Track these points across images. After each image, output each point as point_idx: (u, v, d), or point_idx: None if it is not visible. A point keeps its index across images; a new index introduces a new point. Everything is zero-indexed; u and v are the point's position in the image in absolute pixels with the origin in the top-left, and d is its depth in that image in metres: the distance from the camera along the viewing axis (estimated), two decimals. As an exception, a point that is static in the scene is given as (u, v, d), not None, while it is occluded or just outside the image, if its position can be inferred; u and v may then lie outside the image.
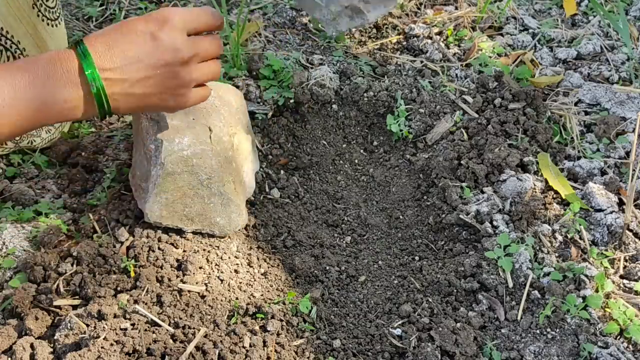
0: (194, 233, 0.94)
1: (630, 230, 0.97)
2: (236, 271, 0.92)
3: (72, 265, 0.89)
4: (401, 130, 1.17)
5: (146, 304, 0.84)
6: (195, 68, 0.81)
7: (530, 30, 1.43)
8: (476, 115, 1.15)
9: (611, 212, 0.97)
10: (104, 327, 0.79)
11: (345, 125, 1.22)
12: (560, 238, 0.96)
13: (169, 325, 0.82)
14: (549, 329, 0.87)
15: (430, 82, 1.25)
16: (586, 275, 0.91)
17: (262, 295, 0.90)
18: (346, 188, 1.15)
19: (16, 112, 0.73)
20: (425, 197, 1.09)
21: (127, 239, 0.92)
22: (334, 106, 1.22)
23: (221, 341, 0.80)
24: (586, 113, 1.18)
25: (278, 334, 0.83)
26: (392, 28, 1.45)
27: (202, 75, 0.83)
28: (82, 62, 0.74)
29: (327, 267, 0.98)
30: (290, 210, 1.09)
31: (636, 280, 0.92)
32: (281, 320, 0.85)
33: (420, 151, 1.16)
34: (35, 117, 0.75)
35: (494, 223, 0.99)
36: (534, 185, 1.02)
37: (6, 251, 0.93)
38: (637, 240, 0.97)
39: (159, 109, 0.84)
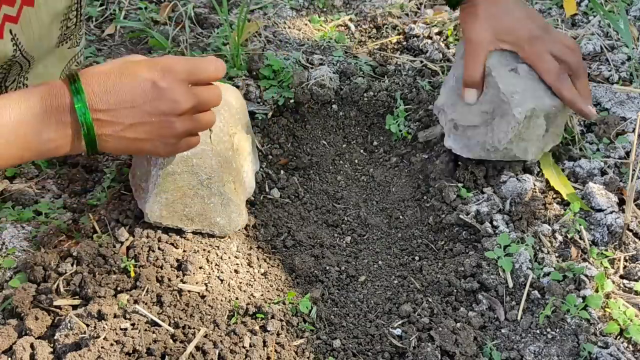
0: (194, 233, 0.94)
1: (630, 230, 0.97)
2: (236, 271, 0.92)
3: (72, 265, 0.89)
4: (400, 131, 1.17)
5: (146, 304, 0.84)
6: (190, 119, 0.80)
7: (530, 30, 1.43)
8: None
9: (611, 212, 0.97)
10: (104, 327, 0.79)
11: (345, 125, 1.22)
12: (560, 238, 0.96)
13: (169, 325, 0.82)
14: (549, 329, 0.87)
15: (430, 82, 1.25)
16: (586, 275, 0.91)
17: (262, 295, 0.90)
18: (346, 188, 1.15)
19: (2, 147, 0.72)
20: (425, 197, 1.09)
21: (127, 239, 0.92)
22: (334, 106, 1.22)
23: (221, 341, 0.80)
24: (586, 113, 1.18)
25: (278, 334, 0.83)
26: (392, 28, 1.45)
27: (196, 126, 0.82)
28: (73, 99, 0.73)
29: (327, 267, 0.98)
30: (290, 210, 1.09)
31: (636, 280, 0.92)
32: (281, 320, 0.85)
33: (420, 151, 1.16)
34: (19, 154, 0.75)
35: (494, 223, 0.99)
36: (534, 185, 1.02)
37: (6, 251, 0.93)
38: (637, 240, 0.97)
39: (148, 153, 0.83)
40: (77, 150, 0.77)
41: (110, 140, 0.77)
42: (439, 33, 1.41)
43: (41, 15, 0.92)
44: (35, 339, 0.81)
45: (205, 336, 0.81)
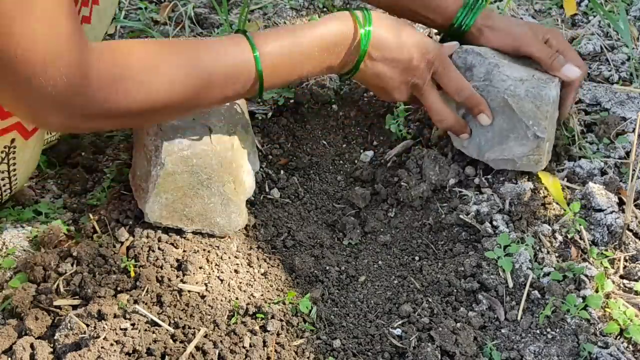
0: (194, 233, 0.94)
1: (630, 230, 0.97)
2: (236, 271, 0.92)
3: (72, 265, 0.89)
4: (400, 131, 1.17)
5: (146, 304, 0.84)
6: (422, 86, 0.98)
7: (530, 30, 1.43)
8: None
9: (611, 212, 0.97)
10: (104, 327, 0.79)
11: (345, 125, 1.22)
12: (560, 238, 0.96)
13: (169, 325, 0.82)
14: (549, 329, 0.87)
15: (430, 82, 1.24)
16: (586, 275, 0.91)
17: (262, 295, 0.90)
18: (346, 188, 1.15)
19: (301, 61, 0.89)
20: (425, 197, 1.09)
21: (127, 239, 0.92)
22: (334, 106, 1.22)
23: (221, 341, 0.80)
24: (586, 113, 1.18)
25: (278, 334, 0.83)
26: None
27: (427, 94, 0.99)
28: (361, 34, 0.90)
29: (327, 267, 0.98)
30: (290, 210, 1.09)
31: (636, 280, 0.92)
32: (281, 320, 0.85)
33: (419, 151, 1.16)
34: (305, 72, 0.91)
35: (494, 223, 0.99)
36: (534, 185, 1.02)
37: (6, 251, 0.93)
38: (637, 240, 0.97)
39: (374, 89, 1.02)
40: (340, 72, 0.94)
41: (361, 73, 0.94)
42: (439, 33, 1.41)
43: (105, 9, 1.01)
44: (35, 339, 0.81)
45: (205, 336, 0.81)
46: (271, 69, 0.85)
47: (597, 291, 0.89)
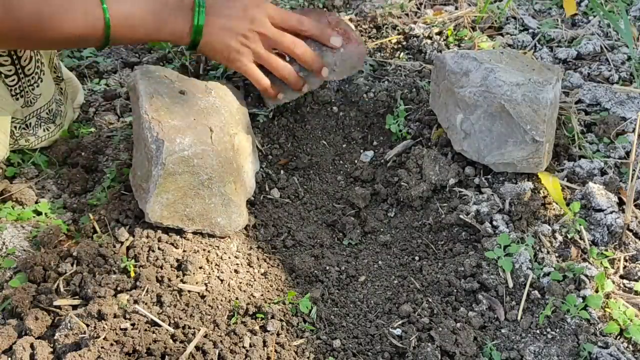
0: (194, 233, 0.94)
1: (630, 230, 0.97)
2: (236, 271, 0.92)
3: (72, 265, 0.89)
4: (400, 131, 1.17)
5: (146, 304, 0.84)
6: (261, 47, 1.05)
7: (530, 30, 1.43)
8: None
9: (611, 212, 0.97)
10: (104, 327, 0.79)
11: (345, 125, 1.22)
12: (560, 238, 0.96)
13: (169, 325, 0.82)
14: (549, 329, 0.87)
15: (430, 82, 1.24)
16: (586, 275, 0.91)
17: (262, 295, 0.90)
18: (346, 188, 1.15)
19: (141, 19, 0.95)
20: (425, 197, 1.09)
21: (127, 239, 0.92)
22: (334, 107, 1.22)
23: (221, 341, 0.80)
24: (586, 113, 1.18)
25: (278, 334, 0.83)
26: (392, 28, 1.45)
27: (266, 56, 1.05)
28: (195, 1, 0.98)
29: (327, 267, 0.98)
30: (290, 210, 1.09)
31: (636, 280, 0.92)
32: (281, 320, 0.85)
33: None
34: (141, 37, 0.99)
35: (494, 223, 0.99)
36: (534, 185, 1.02)
37: (6, 251, 0.93)
38: (637, 240, 0.97)
39: (226, 54, 1.04)
40: (183, 41, 1.01)
41: (208, 35, 1.01)
42: (439, 33, 1.41)
43: None
44: (35, 339, 0.81)
45: (205, 336, 0.81)
46: (118, 21, 0.93)
47: (597, 291, 0.89)
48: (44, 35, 0.91)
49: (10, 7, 0.86)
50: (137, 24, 0.96)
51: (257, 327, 0.83)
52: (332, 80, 1.18)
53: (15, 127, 1.06)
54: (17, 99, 1.03)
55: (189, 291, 0.87)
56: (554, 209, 1.00)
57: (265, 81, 1.08)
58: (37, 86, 1.05)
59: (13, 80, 1.01)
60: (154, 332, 0.80)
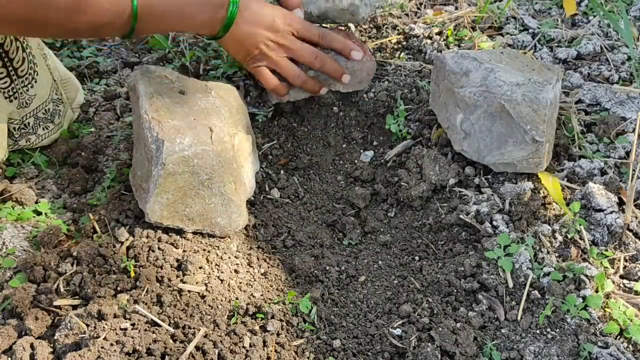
0: (194, 233, 0.94)
1: (630, 230, 0.97)
2: (236, 271, 0.92)
3: (72, 265, 0.89)
4: (400, 131, 1.17)
5: (146, 304, 0.84)
6: (280, 54, 1.09)
7: (530, 30, 1.43)
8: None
9: (611, 212, 0.97)
10: (104, 327, 0.79)
11: (345, 125, 1.22)
12: (560, 238, 0.96)
13: (169, 325, 0.82)
14: (549, 329, 0.87)
15: (430, 82, 1.24)
16: (586, 275, 0.91)
17: (262, 295, 0.90)
18: (346, 188, 1.15)
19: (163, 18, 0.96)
20: (425, 197, 1.09)
21: (127, 239, 0.92)
22: (334, 107, 1.22)
23: (221, 341, 0.80)
24: (586, 113, 1.18)
25: (278, 334, 0.83)
26: (392, 28, 1.45)
27: (282, 63, 1.10)
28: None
29: (327, 267, 0.98)
30: (290, 210, 1.09)
31: (636, 280, 0.92)
32: (281, 320, 0.85)
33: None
34: (172, 27, 1.01)
35: (494, 223, 0.99)
36: (534, 185, 1.02)
37: (6, 251, 0.93)
38: (637, 240, 0.97)
39: (241, 54, 1.09)
40: (208, 33, 1.05)
41: (230, 35, 1.04)
42: (439, 33, 1.41)
43: None
44: (35, 339, 0.82)
45: (205, 336, 0.81)
46: (147, 9, 0.93)
47: (597, 291, 0.89)
48: (70, 21, 0.89)
49: None
50: (166, 14, 0.96)
51: (257, 327, 0.83)
52: (340, 91, 1.18)
53: (14, 128, 1.06)
54: (11, 101, 1.03)
55: (189, 291, 0.87)
56: (554, 209, 1.00)
57: (274, 81, 1.11)
58: (32, 87, 1.05)
59: (5, 82, 1.01)
60: (154, 332, 0.80)
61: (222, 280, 0.90)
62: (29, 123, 1.08)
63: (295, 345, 0.83)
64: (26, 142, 1.09)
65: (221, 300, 0.87)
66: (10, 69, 1.01)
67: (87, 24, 0.90)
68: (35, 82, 1.06)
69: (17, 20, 0.85)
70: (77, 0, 0.87)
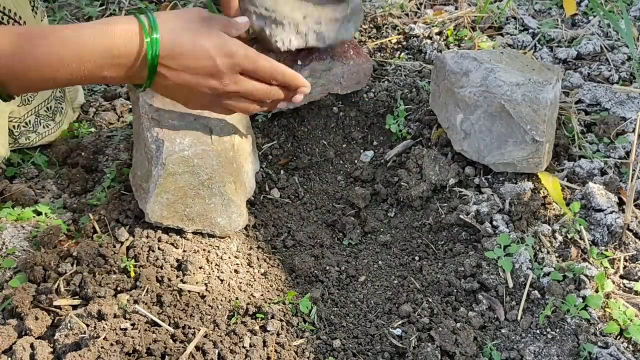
0: (194, 233, 0.94)
1: (630, 230, 0.97)
2: (236, 271, 0.92)
3: (72, 265, 0.89)
4: (400, 131, 1.17)
5: (146, 304, 0.84)
6: (229, 99, 0.87)
7: (530, 30, 1.43)
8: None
9: (611, 212, 0.97)
10: (104, 327, 0.79)
11: (345, 125, 1.22)
12: (560, 238, 0.96)
13: (169, 325, 0.82)
14: (549, 329, 0.87)
15: (430, 82, 1.25)
16: (586, 275, 0.91)
17: (262, 295, 0.90)
18: (346, 188, 1.15)
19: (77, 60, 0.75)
20: (425, 197, 1.09)
21: (127, 239, 0.92)
22: (334, 107, 1.22)
23: (221, 341, 0.80)
24: (586, 113, 1.18)
25: (278, 334, 0.83)
26: (392, 28, 1.45)
27: (232, 105, 0.89)
28: (147, 51, 0.77)
29: (327, 267, 0.98)
30: (290, 210, 1.09)
31: (636, 280, 0.92)
32: (281, 320, 0.85)
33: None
34: (69, 77, 0.77)
35: (494, 223, 0.99)
36: (534, 185, 1.02)
37: (6, 251, 0.93)
38: (637, 240, 0.97)
39: (182, 102, 0.88)
40: (121, 83, 0.85)
41: (162, 86, 0.83)
42: (439, 33, 1.41)
43: None
44: (35, 339, 0.81)
45: (205, 336, 0.81)
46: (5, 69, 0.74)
47: (597, 291, 0.89)
48: None
49: None
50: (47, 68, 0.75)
51: (257, 327, 0.83)
52: (337, 93, 1.18)
53: (14, 126, 1.06)
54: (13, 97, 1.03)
55: (189, 291, 0.87)
56: (554, 209, 1.00)
57: (252, 109, 0.92)
58: None
59: None
60: (154, 332, 0.80)
61: (222, 280, 0.90)
62: (29, 121, 1.08)
63: (295, 345, 0.83)
64: (26, 140, 1.09)
65: (221, 300, 0.87)
66: None
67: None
68: None
69: None
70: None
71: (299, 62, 1.12)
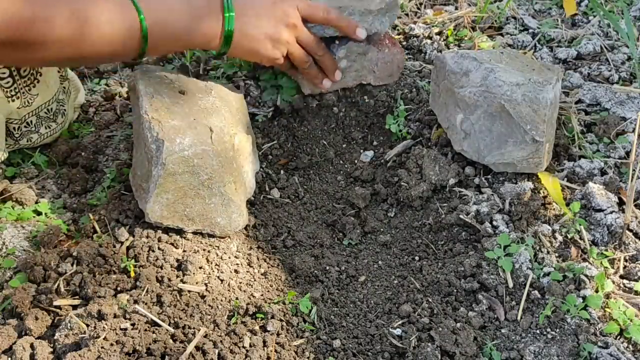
0: (194, 233, 0.94)
1: (630, 230, 0.97)
2: (236, 271, 0.92)
3: (72, 265, 0.89)
4: (400, 131, 1.17)
5: (146, 304, 0.84)
6: (291, 36, 1.05)
7: (530, 30, 1.43)
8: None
9: (611, 212, 0.97)
10: (104, 327, 0.79)
11: (345, 125, 1.22)
12: (560, 238, 0.96)
13: (169, 325, 0.82)
14: (549, 329, 0.87)
15: (430, 82, 1.24)
16: (586, 275, 0.91)
17: (262, 295, 0.90)
18: (346, 188, 1.15)
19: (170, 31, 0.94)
20: (425, 197, 1.09)
21: (127, 239, 0.92)
22: (334, 107, 1.22)
23: (221, 341, 0.80)
24: (586, 113, 1.18)
25: (278, 334, 0.83)
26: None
27: (290, 46, 1.06)
28: (224, 4, 0.97)
29: (327, 267, 0.98)
30: (290, 210, 1.09)
31: (636, 280, 0.92)
32: (281, 320, 0.85)
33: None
34: (172, 44, 0.98)
35: (494, 223, 0.99)
36: (534, 185, 1.02)
37: (6, 251, 0.93)
38: (637, 240, 0.97)
39: (257, 52, 1.04)
40: (209, 47, 1.00)
41: (238, 36, 1.00)
42: (439, 33, 1.41)
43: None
44: (35, 339, 0.82)
45: (205, 336, 0.81)
46: (153, 34, 0.91)
47: (597, 291, 0.89)
48: (80, 46, 0.86)
49: (46, 16, 0.82)
50: (176, 31, 0.94)
51: (257, 327, 0.83)
52: (370, 83, 1.19)
53: (14, 127, 1.06)
54: (13, 100, 1.03)
55: (189, 291, 0.87)
56: (554, 209, 1.00)
57: (313, 71, 1.12)
58: (34, 86, 1.05)
59: (8, 82, 1.01)
60: (154, 332, 0.80)
61: (222, 280, 0.90)
62: (31, 121, 1.08)
63: (295, 345, 0.83)
64: (27, 141, 1.09)
65: (221, 300, 0.87)
66: (13, 69, 1.01)
67: (92, 51, 0.88)
68: (38, 82, 1.06)
69: (10, 40, 0.81)
70: (82, 24, 0.84)
71: (337, 42, 1.14)
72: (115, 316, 0.81)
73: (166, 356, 0.78)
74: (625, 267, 0.94)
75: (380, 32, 1.15)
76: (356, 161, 1.19)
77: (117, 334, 0.79)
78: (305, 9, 1.05)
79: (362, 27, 1.11)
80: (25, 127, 1.07)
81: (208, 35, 0.97)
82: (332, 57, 1.13)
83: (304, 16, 1.06)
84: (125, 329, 0.80)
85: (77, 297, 0.86)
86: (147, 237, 0.92)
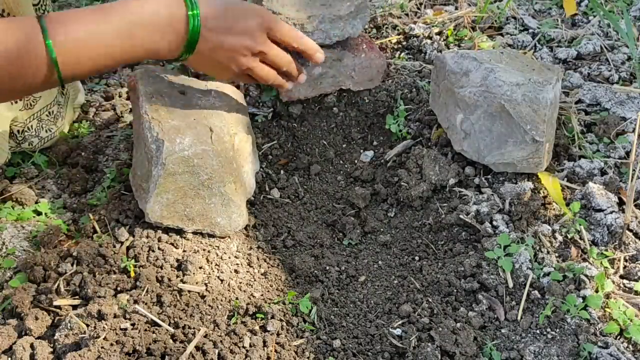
0: (194, 233, 0.94)
1: (630, 230, 0.97)
2: (236, 271, 0.92)
3: (72, 265, 0.89)
4: (400, 131, 1.17)
5: (146, 304, 0.84)
6: (255, 64, 0.97)
7: (530, 30, 1.43)
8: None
9: (611, 212, 0.97)
10: (104, 327, 0.79)
11: (345, 125, 1.22)
12: (560, 238, 0.96)
13: (169, 325, 0.82)
14: (549, 329, 0.87)
15: (430, 82, 1.25)
16: (586, 275, 0.91)
17: (262, 295, 0.90)
18: (346, 188, 1.15)
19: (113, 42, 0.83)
20: (425, 197, 1.09)
21: (127, 239, 0.92)
22: (334, 107, 1.22)
23: (221, 341, 0.80)
24: (586, 113, 1.18)
25: (278, 334, 0.83)
26: (392, 28, 1.45)
27: (257, 69, 0.98)
28: (189, 13, 0.86)
29: (327, 267, 0.98)
30: (290, 210, 1.09)
31: (636, 280, 0.92)
32: (281, 320, 0.85)
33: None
34: (123, 52, 0.84)
35: (494, 223, 0.99)
36: (534, 185, 1.02)
37: (6, 251, 0.93)
38: (637, 240, 0.97)
39: (215, 72, 0.97)
40: (169, 56, 0.89)
41: (200, 55, 0.91)
42: (439, 33, 1.41)
43: None
44: (35, 339, 0.82)
45: (205, 336, 0.81)
46: (69, 56, 0.79)
47: (597, 291, 0.89)
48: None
49: None
50: (101, 49, 0.82)
51: (257, 327, 0.83)
52: (350, 88, 1.19)
53: (18, 130, 1.06)
54: (16, 102, 1.03)
55: (189, 291, 0.87)
56: (554, 209, 1.00)
57: (272, 77, 1.02)
58: None
59: None
60: (154, 332, 0.80)
61: (222, 280, 0.90)
62: (32, 126, 1.08)
63: (295, 345, 0.83)
64: (29, 145, 1.10)
65: (221, 300, 0.87)
66: None
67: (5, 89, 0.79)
68: None
69: None
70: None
71: None
72: (115, 316, 0.81)
73: (166, 356, 0.78)
74: (625, 267, 0.94)
75: (353, 36, 1.14)
76: (356, 161, 1.19)
77: (117, 334, 0.79)
78: (275, 30, 0.97)
79: (321, 52, 1.04)
80: (27, 130, 1.08)
81: (165, 47, 0.88)
82: (309, 40, 1.03)
83: (270, 37, 0.97)
84: (125, 329, 0.80)
85: (77, 297, 0.86)
86: (147, 237, 0.92)
